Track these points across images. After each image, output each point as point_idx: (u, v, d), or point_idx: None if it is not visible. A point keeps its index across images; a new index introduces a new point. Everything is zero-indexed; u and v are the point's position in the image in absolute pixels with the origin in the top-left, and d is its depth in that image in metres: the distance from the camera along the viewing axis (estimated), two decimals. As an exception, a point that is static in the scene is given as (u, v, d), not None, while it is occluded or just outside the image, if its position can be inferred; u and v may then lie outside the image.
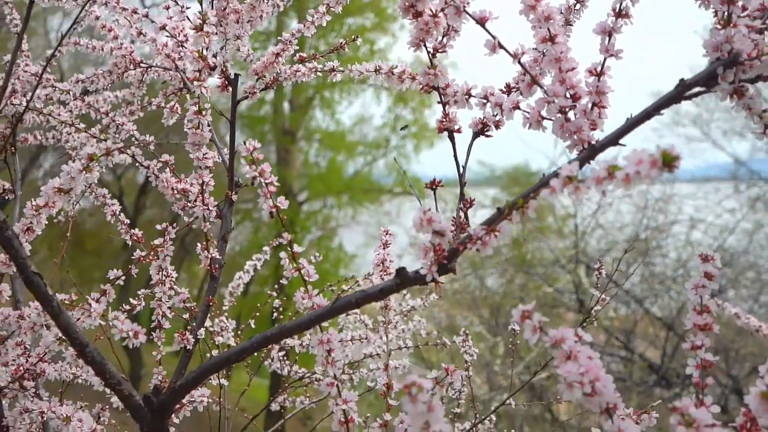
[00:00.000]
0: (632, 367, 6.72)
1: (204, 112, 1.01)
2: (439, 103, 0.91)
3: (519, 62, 0.80)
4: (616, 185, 0.58)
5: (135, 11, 1.32)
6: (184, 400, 1.16)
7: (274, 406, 1.73)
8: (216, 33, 1.06)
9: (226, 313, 1.52)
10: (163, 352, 1.12)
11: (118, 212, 1.32)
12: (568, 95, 0.78)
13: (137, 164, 1.25)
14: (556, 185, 0.63)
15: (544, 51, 0.79)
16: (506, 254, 8.48)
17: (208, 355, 1.34)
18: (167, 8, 1.32)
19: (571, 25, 0.93)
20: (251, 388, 1.72)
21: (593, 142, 0.75)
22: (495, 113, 0.87)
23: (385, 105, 11.18)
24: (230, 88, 1.23)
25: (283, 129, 10.46)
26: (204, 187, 1.12)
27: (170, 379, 1.03)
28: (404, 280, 0.78)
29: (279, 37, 1.29)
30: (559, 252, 7.80)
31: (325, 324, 0.87)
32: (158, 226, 1.12)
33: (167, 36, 1.28)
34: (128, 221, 1.34)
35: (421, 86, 0.93)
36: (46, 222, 0.96)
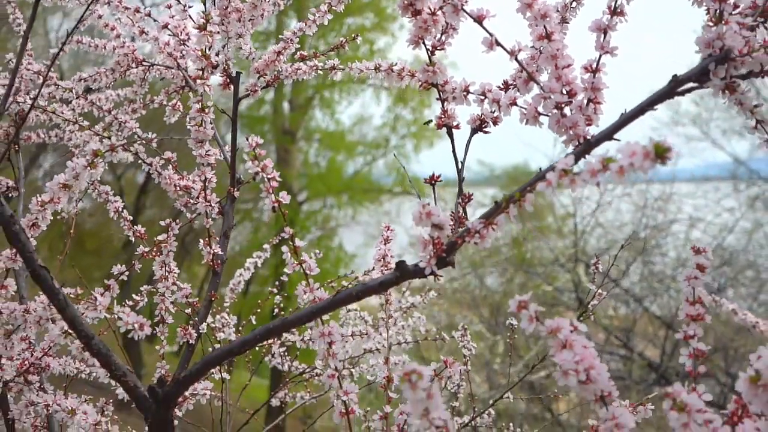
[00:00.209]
0: (632, 365, 6.74)
1: (207, 110, 1.03)
2: (437, 99, 0.92)
3: (516, 59, 0.82)
4: (610, 177, 0.60)
5: (137, 10, 1.34)
6: (187, 393, 1.17)
7: (275, 402, 1.74)
8: (218, 32, 1.07)
9: (227, 310, 1.53)
10: (166, 346, 1.14)
11: (120, 209, 1.34)
12: (564, 91, 0.79)
13: (140, 161, 1.26)
14: (551, 178, 0.64)
15: (541, 48, 0.81)
16: (506, 253, 8.50)
17: (210, 349, 1.35)
18: (169, 7, 1.34)
19: (568, 22, 0.95)
20: (251, 389, 1.74)
21: (589, 137, 0.76)
22: (493, 110, 0.88)
23: (384, 105, 11.21)
24: (232, 86, 1.25)
25: (282, 129, 10.48)
26: (206, 184, 1.14)
27: (173, 372, 1.05)
28: (404, 273, 0.80)
29: (280, 36, 1.30)
30: (558, 251, 7.82)
31: (326, 317, 0.88)
32: (162, 222, 1.14)
33: (169, 35, 1.30)
34: (131, 218, 1.35)
35: (420, 83, 0.94)
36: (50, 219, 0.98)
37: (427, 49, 0.90)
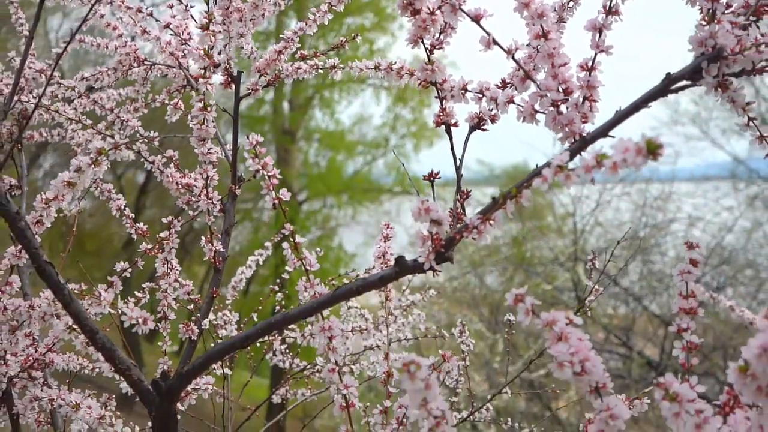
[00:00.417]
0: (631, 364, 6.76)
1: (209, 109, 1.04)
2: (436, 98, 0.94)
3: (513, 58, 0.83)
4: (604, 173, 0.61)
5: (139, 10, 1.35)
6: (189, 388, 1.18)
7: (276, 399, 1.76)
8: (220, 31, 1.09)
9: (229, 307, 1.55)
10: (169, 342, 1.15)
11: (122, 207, 1.35)
12: (560, 89, 0.81)
13: (142, 159, 1.28)
14: (547, 174, 0.66)
15: (538, 47, 0.82)
16: (506, 252, 8.52)
17: (212, 345, 1.36)
18: (171, 7, 1.35)
19: (565, 22, 0.96)
20: (252, 388, 1.75)
21: (584, 134, 0.78)
22: (491, 107, 0.90)
23: (384, 104, 11.23)
24: (233, 85, 1.26)
25: (282, 129, 10.49)
26: (208, 182, 1.15)
27: (175, 369, 1.06)
28: (403, 268, 0.81)
29: (281, 36, 1.32)
30: (558, 250, 7.84)
31: (326, 313, 0.90)
32: (164, 219, 1.15)
33: (171, 34, 1.31)
34: (133, 215, 1.36)
35: (419, 82, 0.96)
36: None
37: (426, 48, 0.91)
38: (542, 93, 0.81)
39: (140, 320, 0.95)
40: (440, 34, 0.91)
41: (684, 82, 0.73)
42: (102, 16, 1.38)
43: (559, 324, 0.65)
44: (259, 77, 1.29)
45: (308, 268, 0.90)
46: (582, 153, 0.77)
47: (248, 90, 1.27)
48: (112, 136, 1.23)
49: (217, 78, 1.26)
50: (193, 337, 1.16)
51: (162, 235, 1.15)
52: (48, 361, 1.14)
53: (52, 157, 10.36)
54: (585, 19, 0.84)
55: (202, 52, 1.06)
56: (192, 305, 1.20)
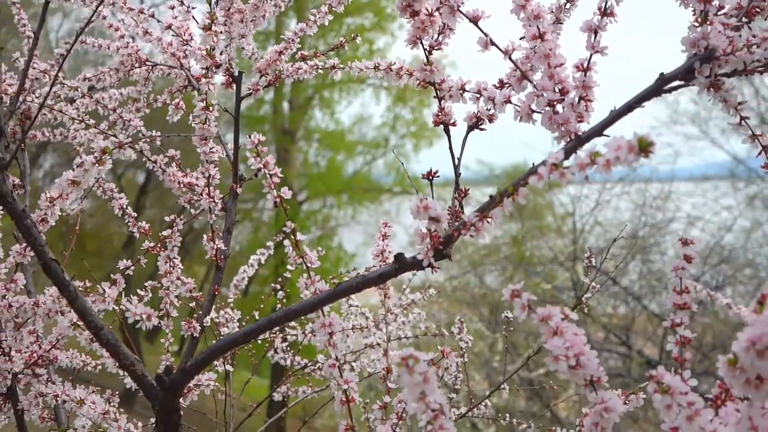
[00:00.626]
0: (630, 363, 6.77)
1: (211, 108, 1.06)
2: (435, 98, 0.95)
3: (510, 58, 0.85)
4: (598, 170, 0.63)
5: (141, 11, 1.36)
6: (191, 384, 1.20)
7: (277, 397, 1.77)
8: (222, 32, 1.10)
9: (231, 305, 1.56)
10: (171, 339, 1.16)
11: (125, 206, 1.37)
12: (556, 89, 0.82)
13: (144, 159, 1.29)
14: (543, 172, 0.67)
15: (534, 48, 0.84)
16: (505, 252, 8.53)
17: (214, 341, 1.38)
18: (172, 8, 1.37)
19: (561, 23, 0.97)
20: (253, 388, 1.76)
21: (580, 133, 0.79)
22: (488, 107, 0.91)
23: (384, 104, 11.24)
24: (234, 85, 1.27)
25: (282, 129, 10.50)
26: (210, 181, 1.17)
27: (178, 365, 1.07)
28: (402, 265, 0.83)
29: (282, 36, 1.33)
30: (557, 250, 7.85)
31: (326, 309, 0.91)
32: (166, 218, 1.16)
33: (172, 35, 1.32)
34: (135, 214, 1.38)
35: (418, 82, 0.97)
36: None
37: (425, 49, 0.93)
38: (539, 93, 0.83)
39: (144, 316, 0.97)
40: (439, 35, 0.92)
41: (677, 82, 0.74)
42: (104, 18, 1.40)
43: (555, 319, 0.67)
44: (260, 77, 1.30)
45: (309, 265, 0.91)
46: (577, 151, 0.78)
47: (249, 90, 1.29)
48: (115, 136, 1.25)
49: (219, 78, 1.28)
50: (195, 334, 1.17)
51: (164, 233, 1.16)
52: (52, 357, 1.15)
53: (52, 157, 10.38)
54: (581, 20, 0.86)
55: (204, 52, 1.08)
56: (194, 303, 1.21)
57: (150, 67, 1.45)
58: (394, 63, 1.12)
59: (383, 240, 1.25)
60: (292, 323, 1.72)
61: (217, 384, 1.31)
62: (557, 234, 8.69)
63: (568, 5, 0.96)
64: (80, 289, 0.97)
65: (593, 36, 0.82)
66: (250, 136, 0.94)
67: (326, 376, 0.94)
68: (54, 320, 1.11)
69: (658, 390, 0.60)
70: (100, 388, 1.22)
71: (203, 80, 1.11)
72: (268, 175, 0.93)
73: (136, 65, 1.43)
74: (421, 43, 0.92)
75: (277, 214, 10.22)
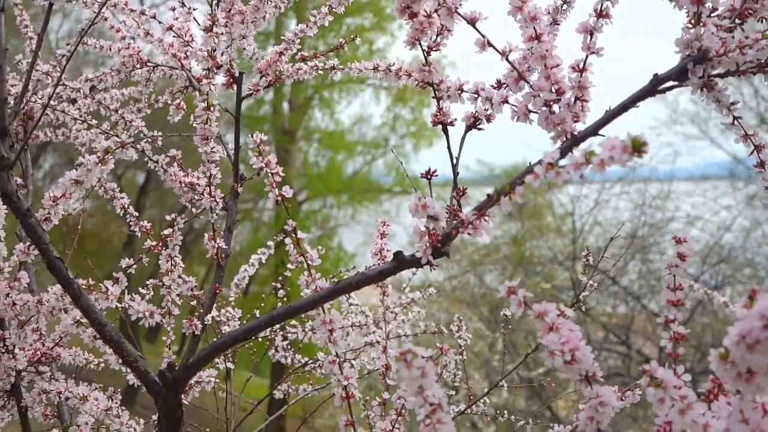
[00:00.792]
0: (630, 362, 6.79)
1: (212, 108, 1.07)
2: (433, 98, 0.96)
3: (507, 59, 0.86)
4: (592, 169, 0.64)
5: (143, 12, 1.38)
6: (192, 381, 1.21)
7: (278, 395, 1.79)
8: (223, 33, 1.11)
9: (232, 304, 1.57)
10: (173, 336, 1.18)
11: (126, 205, 1.38)
12: (552, 90, 0.84)
13: (146, 159, 1.31)
14: (539, 171, 0.69)
15: (531, 49, 0.85)
16: (505, 252, 8.55)
17: (215, 339, 1.39)
18: (173, 9, 1.38)
19: (558, 24, 0.99)
20: (253, 388, 1.77)
21: (575, 133, 0.81)
22: (486, 107, 0.93)
23: (384, 104, 11.26)
24: (235, 86, 1.29)
25: (282, 129, 10.52)
26: (211, 180, 1.18)
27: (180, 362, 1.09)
28: (401, 262, 0.84)
29: (282, 37, 1.34)
30: (557, 249, 7.87)
31: (327, 306, 0.93)
32: (167, 217, 1.18)
33: (174, 36, 1.34)
34: (136, 214, 1.39)
35: (416, 82, 0.98)
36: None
37: (423, 50, 0.94)
38: (535, 93, 0.84)
39: (147, 313, 0.98)
40: (437, 36, 0.94)
41: (671, 83, 0.76)
42: (106, 19, 1.41)
43: (551, 315, 0.68)
44: (261, 78, 1.32)
45: (310, 263, 0.93)
46: (573, 151, 0.79)
47: (250, 90, 1.30)
48: (117, 136, 1.26)
49: (220, 79, 1.29)
50: (196, 332, 1.18)
51: (166, 232, 1.18)
52: (55, 355, 1.16)
53: (52, 157, 10.40)
54: (578, 21, 0.87)
55: (205, 53, 1.09)
56: (195, 301, 1.22)
57: (151, 68, 1.47)
58: (393, 64, 1.14)
59: (382, 239, 1.27)
60: (293, 321, 1.74)
61: (217, 381, 1.32)
62: (557, 234, 8.71)
63: (565, 7, 0.98)
64: (83, 287, 0.98)
65: (589, 37, 0.83)
66: (252, 136, 0.95)
67: (326, 374, 0.95)
68: (57, 318, 1.12)
69: (651, 384, 0.61)
70: (102, 386, 1.23)
71: (204, 81, 1.12)
72: (269, 174, 0.95)
73: (138, 66, 1.45)
74: (420, 44, 0.93)
75: (277, 214, 10.24)
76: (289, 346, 1.77)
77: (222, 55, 1.22)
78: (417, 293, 1.83)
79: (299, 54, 1.36)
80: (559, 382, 5.52)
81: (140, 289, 1.33)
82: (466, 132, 0.97)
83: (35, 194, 1.63)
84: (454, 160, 0.95)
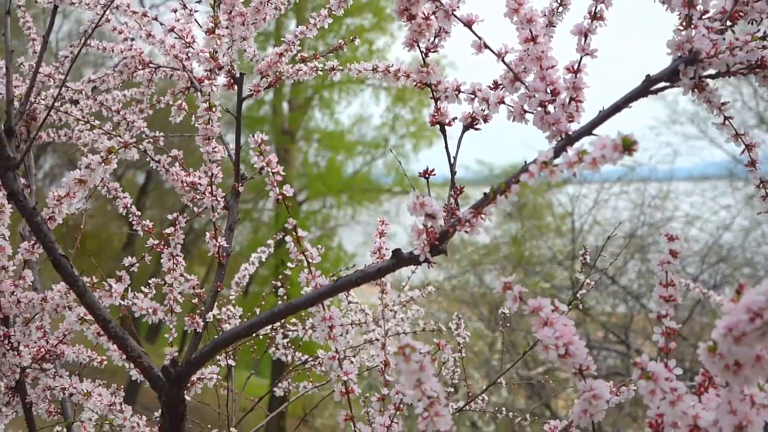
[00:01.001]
0: (629, 362, 6.80)
1: (214, 109, 1.09)
2: (431, 98, 0.98)
3: (503, 61, 0.88)
4: (585, 168, 0.66)
5: (145, 14, 1.39)
6: (194, 378, 1.23)
7: (279, 392, 1.80)
8: (224, 35, 1.13)
9: (233, 302, 1.59)
10: (175, 334, 1.19)
11: (129, 205, 1.40)
12: (548, 90, 0.85)
13: (148, 159, 1.32)
14: (533, 170, 0.70)
15: (527, 50, 0.87)
16: (505, 252, 8.57)
17: (216, 337, 1.41)
18: (175, 11, 1.40)
19: (554, 26, 1.01)
20: (253, 388, 1.79)
21: (570, 133, 0.82)
22: (482, 108, 0.94)
23: (383, 105, 11.28)
24: (236, 87, 1.30)
25: (282, 129, 10.53)
26: (213, 179, 1.20)
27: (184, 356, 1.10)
28: (400, 260, 0.86)
29: (282, 39, 1.36)
30: (556, 249, 7.89)
31: (327, 303, 0.94)
32: (169, 216, 1.19)
33: (175, 38, 1.36)
34: (139, 213, 1.41)
35: (415, 83, 1.00)
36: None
37: (421, 51, 0.96)
38: (531, 94, 0.86)
39: (150, 310, 1.00)
40: (435, 38, 0.96)
41: (663, 84, 0.77)
42: (108, 21, 1.43)
43: (545, 310, 0.70)
44: (261, 79, 1.34)
45: (310, 260, 0.94)
46: (567, 150, 0.81)
47: (251, 91, 1.32)
48: (120, 136, 1.28)
49: (221, 80, 1.31)
50: (198, 330, 1.20)
51: (168, 230, 1.19)
52: (59, 352, 1.18)
53: (52, 158, 10.42)
54: (574, 22, 0.89)
55: (207, 54, 1.11)
56: (197, 299, 1.24)
57: (153, 69, 1.48)
58: (392, 65, 1.15)
59: (380, 237, 1.28)
60: (293, 320, 1.76)
61: (219, 377, 1.33)
62: (556, 234, 8.73)
63: (561, 9, 0.99)
64: (88, 284, 1.00)
65: (583, 39, 0.85)
66: (252, 136, 0.97)
67: (327, 370, 0.97)
68: (60, 316, 1.14)
69: (642, 376, 0.63)
70: (105, 382, 1.25)
71: (206, 82, 1.14)
72: (270, 174, 0.96)
73: (140, 67, 1.46)
74: (418, 45, 0.95)
75: (277, 214, 10.26)
76: (289, 344, 1.79)
77: (223, 56, 1.24)
78: (416, 291, 1.85)
79: (299, 55, 1.38)
80: (558, 381, 5.54)
81: (142, 287, 1.35)
82: (463, 132, 0.98)
83: (36, 194, 1.64)
84: (452, 160, 0.97)
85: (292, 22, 9.34)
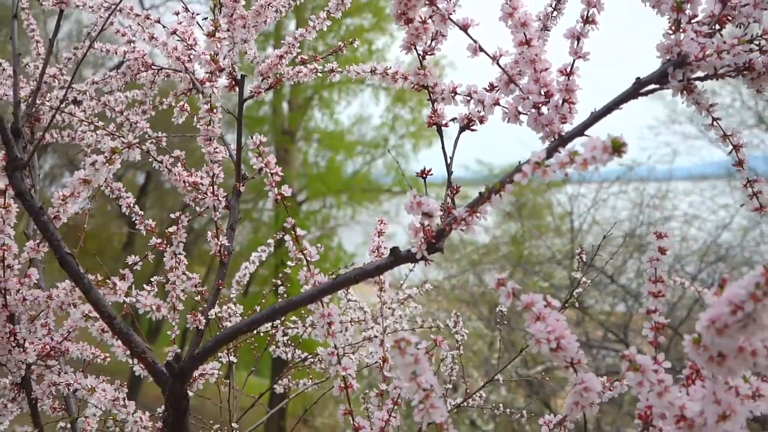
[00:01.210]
0: (628, 361, 6.81)
1: (215, 110, 1.11)
2: (428, 100, 1.00)
3: (497, 63, 0.90)
4: (576, 168, 0.68)
5: (147, 17, 1.42)
6: (196, 374, 1.25)
7: (279, 389, 1.83)
8: (225, 38, 1.15)
9: (234, 300, 1.62)
10: (177, 331, 1.22)
11: (132, 204, 1.42)
12: (541, 92, 0.88)
13: (150, 159, 1.35)
14: (527, 169, 0.73)
15: (522, 53, 0.89)
16: (504, 251, 8.59)
17: (218, 333, 1.43)
18: (176, 14, 1.42)
19: (549, 30, 1.03)
20: (253, 388, 1.81)
21: (563, 134, 0.85)
22: (478, 109, 0.97)
23: (383, 105, 11.30)
24: (237, 88, 1.33)
25: (282, 129, 10.56)
26: (214, 179, 1.22)
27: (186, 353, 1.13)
28: (397, 257, 0.88)
29: (282, 40, 1.38)
30: (555, 249, 7.91)
31: (326, 300, 0.96)
32: (172, 215, 1.22)
33: (177, 40, 1.38)
34: (141, 213, 1.43)
35: (412, 85, 1.03)
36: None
37: (419, 54, 0.98)
38: (525, 96, 0.88)
39: (154, 307, 1.02)
40: (432, 41, 0.98)
41: (653, 86, 0.80)
42: (111, 24, 1.45)
43: (538, 305, 0.72)
44: (262, 80, 1.36)
45: (309, 259, 0.96)
46: (559, 151, 0.83)
47: (251, 93, 1.34)
48: (123, 137, 1.30)
49: (222, 81, 1.33)
50: (200, 327, 1.22)
51: (170, 229, 1.22)
52: (64, 349, 1.20)
53: (52, 158, 10.44)
54: (573, 22, 0.91)
55: (208, 57, 1.13)
56: (199, 296, 1.26)
57: (156, 71, 1.51)
58: (390, 68, 1.18)
59: (379, 237, 1.31)
60: (293, 317, 1.78)
61: (220, 373, 1.36)
62: (556, 233, 8.75)
63: (555, 13, 1.02)
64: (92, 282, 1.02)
65: (576, 42, 0.87)
66: (252, 137, 0.99)
67: (326, 366, 0.99)
68: (65, 314, 1.16)
69: (630, 368, 0.65)
70: (109, 378, 1.27)
71: (207, 83, 1.17)
72: (269, 174, 0.99)
73: (143, 69, 1.49)
74: (416, 48, 0.97)
75: (276, 214, 10.28)
76: (289, 342, 1.81)
77: (224, 58, 1.26)
78: (414, 289, 1.87)
79: (299, 57, 1.40)
80: (557, 380, 5.56)
81: (145, 286, 1.37)
82: (459, 133, 1.01)
83: (36, 194, 1.66)
84: (449, 160, 0.99)
85: (292, 22, 9.37)
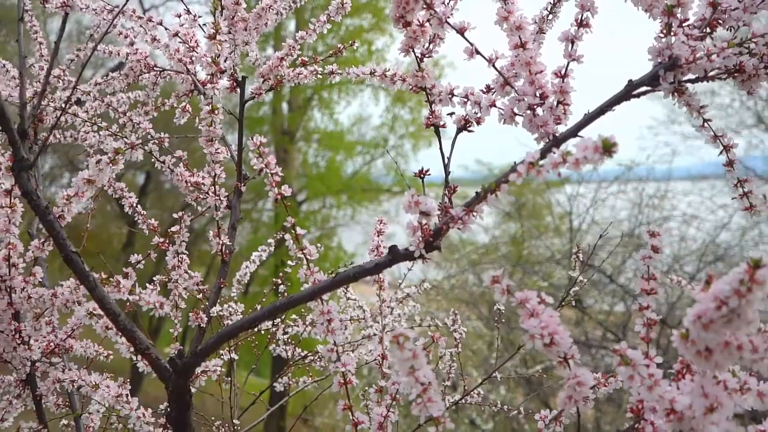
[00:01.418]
0: (627, 360, 6.83)
1: (216, 111, 1.13)
2: (426, 101, 1.02)
3: (493, 66, 0.92)
4: (569, 168, 0.70)
5: (150, 19, 1.44)
6: (198, 371, 1.27)
7: (279, 387, 1.85)
8: (226, 40, 1.17)
9: (235, 298, 1.64)
10: (179, 329, 1.24)
11: (135, 204, 1.44)
12: (536, 94, 0.90)
13: (153, 159, 1.37)
14: (521, 169, 0.75)
15: (517, 56, 0.91)
16: (504, 251, 8.61)
17: (220, 330, 1.45)
18: (178, 16, 1.44)
19: (544, 33, 1.05)
20: (253, 388, 1.82)
21: (557, 135, 0.86)
22: (475, 110, 0.98)
23: (383, 105, 11.32)
24: (238, 90, 1.35)
25: (281, 130, 10.58)
26: (216, 180, 1.24)
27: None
28: (396, 256, 0.90)
29: (282, 42, 1.40)
30: (555, 248, 7.93)
31: (325, 298, 0.98)
32: (174, 215, 1.24)
33: (180, 42, 1.40)
34: (144, 212, 1.45)
35: (410, 87, 1.05)
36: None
37: (417, 57, 1.00)
38: (520, 97, 0.90)
39: (157, 305, 1.04)
40: (430, 43, 1.00)
41: (644, 88, 0.82)
42: (114, 26, 1.47)
43: (532, 302, 0.74)
44: (263, 82, 1.38)
45: (308, 257, 0.98)
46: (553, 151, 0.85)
47: (252, 94, 1.36)
48: (126, 137, 1.32)
49: (224, 83, 1.35)
50: (202, 325, 1.24)
51: (173, 229, 1.23)
52: (68, 346, 1.22)
53: (52, 158, 10.46)
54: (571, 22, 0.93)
55: (210, 59, 1.15)
56: (201, 295, 1.28)
57: (158, 73, 1.53)
58: (389, 69, 1.19)
59: (379, 236, 1.33)
60: (293, 316, 1.80)
61: (222, 370, 1.38)
62: (555, 233, 8.77)
63: (551, 16, 1.04)
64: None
65: (570, 45, 0.89)
66: (252, 138, 1.01)
67: (326, 363, 1.01)
68: (69, 312, 1.18)
69: (621, 362, 0.67)
70: (113, 375, 1.29)
71: (209, 85, 1.18)
72: (269, 174, 1.01)
73: (145, 71, 1.51)
74: (414, 51, 0.99)
75: (276, 214, 10.30)
76: (289, 340, 1.83)
77: (225, 60, 1.28)
78: (412, 288, 1.89)
79: (299, 58, 1.42)
80: (556, 379, 5.58)
81: (147, 284, 1.39)
82: (457, 134, 1.03)
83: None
84: (446, 160, 1.01)
85: (292, 22, 9.39)
